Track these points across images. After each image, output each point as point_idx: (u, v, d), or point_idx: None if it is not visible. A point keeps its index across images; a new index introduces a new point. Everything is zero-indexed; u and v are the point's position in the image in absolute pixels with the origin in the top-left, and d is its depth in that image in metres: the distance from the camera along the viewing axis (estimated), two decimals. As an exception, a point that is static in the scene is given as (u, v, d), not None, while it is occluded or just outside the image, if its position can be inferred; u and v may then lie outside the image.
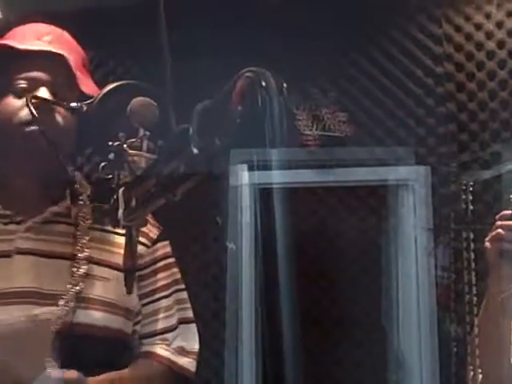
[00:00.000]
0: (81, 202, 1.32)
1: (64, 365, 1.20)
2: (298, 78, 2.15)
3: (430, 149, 2.13)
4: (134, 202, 1.01)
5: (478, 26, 2.13)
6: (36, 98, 1.24)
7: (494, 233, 1.46)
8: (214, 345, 2.04)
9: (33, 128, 1.23)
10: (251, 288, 2.03)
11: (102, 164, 1.10)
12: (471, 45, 2.13)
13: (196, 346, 1.39)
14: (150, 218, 1.37)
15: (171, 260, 1.41)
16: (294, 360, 1.81)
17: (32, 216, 1.28)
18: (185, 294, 1.42)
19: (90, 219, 1.31)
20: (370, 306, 2.09)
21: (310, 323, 2.10)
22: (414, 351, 2.01)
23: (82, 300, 1.24)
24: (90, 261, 1.28)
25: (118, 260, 1.25)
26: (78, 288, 1.25)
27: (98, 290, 1.27)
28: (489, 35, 2.12)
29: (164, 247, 1.40)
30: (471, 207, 1.94)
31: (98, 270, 1.28)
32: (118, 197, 1.03)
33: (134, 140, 1.06)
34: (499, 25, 2.12)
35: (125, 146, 1.06)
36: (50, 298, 1.23)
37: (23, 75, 1.27)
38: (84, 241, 1.29)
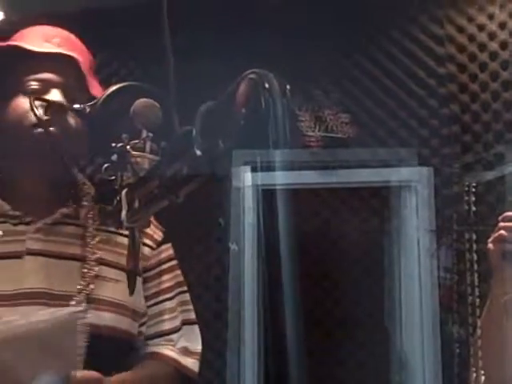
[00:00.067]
0: (85, 203, 1.33)
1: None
2: (300, 79, 2.15)
3: (432, 150, 2.13)
4: (137, 204, 1.01)
5: (481, 27, 2.13)
6: (39, 99, 1.24)
7: (496, 234, 1.46)
8: (216, 345, 2.05)
9: (44, 130, 1.24)
10: (253, 289, 2.03)
11: (105, 165, 1.10)
12: (474, 46, 2.13)
13: (199, 347, 1.40)
14: (153, 220, 1.38)
15: (175, 262, 1.42)
16: (296, 361, 1.81)
17: (41, 217, 1.28)
18: (187, 296, 1.43)
19: (98, 221, 1.32)
20: (372, 307, 2.09)
21: (312, 324, 2.11)
22: (416, 352, 2.00)
23: (92, 301, 1.25)
24: (100, 262, 1.29)
25: (123, 261, 1.24)
26: (89, 289, 1.25)
27: (107, 291, 1.27)
28: (492, 36, 2.12)
29: (168, 249, 1.41)
30: (474, 208, 1.94)
31: (107, 272, 1.29)
32: (121, 198, 1.03)
33: (137, 141, 1.06)
34: (502, 26, 2.12)
35: (128, 147, 1.06)
36: (60, 299, 1.23)
37: (34, 77, 1.27)
38: (93, 242, 1.30)
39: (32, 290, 1.23)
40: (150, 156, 1.05)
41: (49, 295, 1.23)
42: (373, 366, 2.09)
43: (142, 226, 1.10)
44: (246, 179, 2.02)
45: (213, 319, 2.11)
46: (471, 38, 2.14)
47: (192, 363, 1.38)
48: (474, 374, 1.54)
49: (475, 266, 1.88)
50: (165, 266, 1.39)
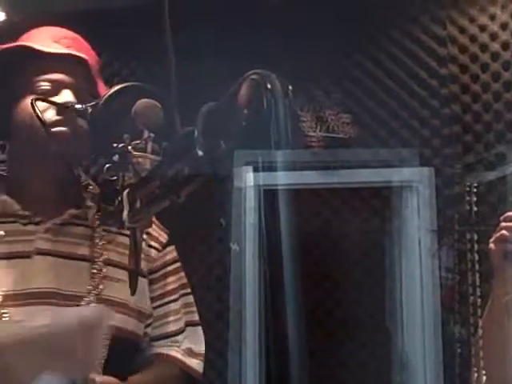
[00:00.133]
0: (91, 204, 1.33)
1: None
2: (301, 79, 2.15)
3: (434, 150, 2.13)
4: (138, 204, 1.02)
5: (483, 28, 2.13)
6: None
7: (498, 234, 1.46)
8: (217, 345, 2.05)
9: (56, 130, 1.24)
10: (255, 289, 2.04)
11: (107, 166, 1.10)
12: (475, 46, 2.13)
13: (202, 348, 1.42)
14: (157, 222, 1.39)
15: (179, 264, 1.43)
16: (297, 361, 1.81)
17: (50, 217, 1.28)
18: (191, 298, 1.44)
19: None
20: (374, 307, 2.09)
21: (314, 324, 2.10)
22: (417, 352, 2.00)
23: (101, 301, 1.25)
24: (108, 263, 1.29)
25: None
26: (98, 290, 1.25)
27: (115, 292, 1.28)
28: (493, 37, 2.12)
29: (172, 251, 1.42)
30: (475, 208, 1.93)
31: (115, 273, 1.29)
32: (122, 198, 1.03)
33: (138, 142, 1.07)
34: (504, 26, 2.11)
35: (129, 147, 1.06)
36: (70, 299, 1.24)
37: (44, 77, 1.28)
38: (102, 243, 1.30)
39: (41, 289, 1.23)
40: (152, 156, 1.05)
41: (58, 295, 1.24)
42: (374, 366, 2.09)
43: (143, 226, 1.10)
44: (248, 179, 2.02)
45: (214, 319, 2.11)
46: (473, 39, 2.13)
47: (197, 364, 1.39)
48: (476, 374, 1.54)
49: (476, 266, 1.88)
50: (170, 268, 1.40)
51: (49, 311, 1.19)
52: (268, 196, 2.00)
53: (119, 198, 1.04)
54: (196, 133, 0.85)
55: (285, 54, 2.07)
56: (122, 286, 1.29)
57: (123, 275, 1.29)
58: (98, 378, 1.16)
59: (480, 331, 1.54)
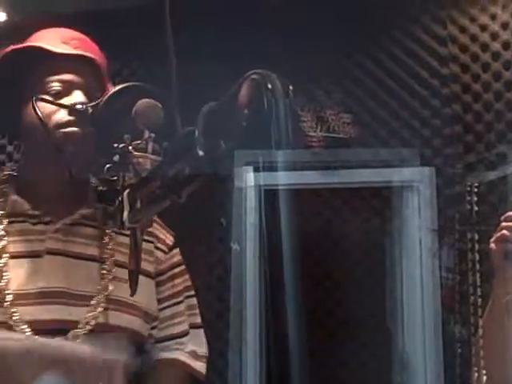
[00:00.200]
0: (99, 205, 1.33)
1: (90, 365, 1.21)
2: (302, 79, 2.15)
3: (435, 150, 2.13)
4: (138, 204, 1.01)
5: (483, 27, 2.13)
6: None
7: (498, 234, 1.46)
8: (218, 345, 2.04)
9: (67, 130, 1.24)
10: (255, 289, 2.04)
11: (107, 166, 1.10)
12: (476, 46, 2.13)
13: (205, 351, 1.43)
14: (162, 224, 1.39)
15: (184, 266, 1.44)
16: (298, 361, 1.81)
17: (60, 217, 1.29)
18: (194, 300, 1.45)
19: None
20: (374, 307, 2.09)
21: (314, 324, 2.11)
22: (418, 352, 2.00)
23: (111, 302, 1.26)
24: (118, 264, 1.29)
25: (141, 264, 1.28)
26: (108, 290, 1.26)
27: (124, 293, 1.28)
28: (494, 36, 2.12)
29: (178, 254, 1.43)
30: (476, 208, 1.93)
31: (124, 274, 1.29)
32: (122, 198, 1.03)
33: (139, 142, 1.06)
34: (504, 26, 2.11)
35: (130, 147, 1.06)
36: (79, 299, 1.24)
37: (56, 78, 1.28)
38: (111, 244, 1.30)
39: (51, 289, 1.24)
40: (152, 156, 1.05)
41: (67, 295, 1.24)
42: (374, 366, 2.09)
43: (143, 226, 1.10)
44: (248, 179, 2.02)
45: (215, 319, 2.11)
46: (473, 39, 2.13)
47: (201, 366, 1.41)
48: (476, 374, 1.54)
49: (477, 266, 1.88)
50: (176, 270, 1.41)
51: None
52: (268, 196, 2.00)
53: (119, 198, 1.04)
54: (196, 133, 0.85)
55: (285, 54, 2.07)
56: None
57: None
58: None
59: (480, 331, 1.54)
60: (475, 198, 1.94)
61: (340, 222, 2.18)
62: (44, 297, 1.23)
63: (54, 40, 1.31)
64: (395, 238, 2.10)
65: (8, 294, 1.21)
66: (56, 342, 1.20)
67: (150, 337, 1.35)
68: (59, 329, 1.22)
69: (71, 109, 1.25)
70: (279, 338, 1.89)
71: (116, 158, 1.09)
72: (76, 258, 1.27)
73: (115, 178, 1.07)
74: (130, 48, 2.23)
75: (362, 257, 2.14)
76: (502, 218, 1.48)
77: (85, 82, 1.29)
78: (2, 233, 1.27)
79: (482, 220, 1.92)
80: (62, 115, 1.25)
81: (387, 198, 2.13)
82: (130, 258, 1.13)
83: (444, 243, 2.05)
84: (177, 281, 1.40)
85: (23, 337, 1.19)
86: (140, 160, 1.05)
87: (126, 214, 1.02)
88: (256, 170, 1.97)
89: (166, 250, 1.39)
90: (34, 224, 1.28)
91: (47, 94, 1.27)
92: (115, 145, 1.08)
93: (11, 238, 1.26)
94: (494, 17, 2.12)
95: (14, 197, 1.30)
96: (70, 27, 1.39)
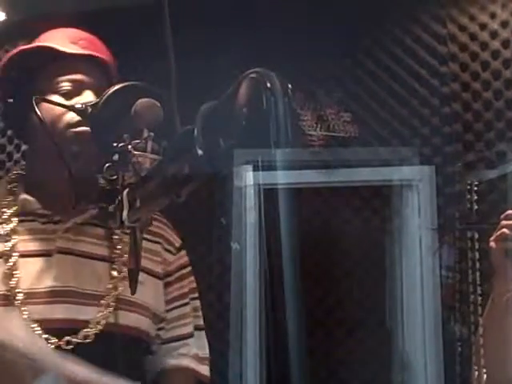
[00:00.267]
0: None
1: (100, 365, 1.21)
2: (302, 78, 2.15)
3: (434, 149, 2.13)
4: (138, 203, 1.02)
5: (483, 26, 2.13)
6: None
7: (498, 232, 1.46)
8: (218, 345, 2.04)
9: (78, 130, 1.25)
10: (255, 288, 2.03)
11: (107, 165, 1.10)
12: (476, 44, 2.13)
13: (207, 352, 1.43)
14: (170, 225, 1.40)
15: (190, 268, 1.44)
16: (298, 360, 1.81)
17: (70, 217, 1.29)
18: (198, 302, 1.46)
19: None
20: (374, 306, 2.09)
21: (314, 324, 2.10)
22: (418, 351, 2.00)
23: (120, 302, 1.26)
24: (126, 264, 1.30)
25: (148, 265, 1.31)
26: (118, 290, 1.26)
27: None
28: (493, 35, 2.11)
29: (185, 255, 1.43)
30: (476, 207, 1.93)
31: None
32: (122, 198, 1.03)
33: (138, 141, 1.06)
34: (504, 24, 2.11)
35: (129, 147, 1.06)
36: (89, 299, 1.24)
37: (66, 78, 1.28)
38: (121, 245, 1.30)
39: (61, 288, 1.24)
40: (152, 156, 1.05)
41: (77, 294, 1.24)
42: (374, 365, 2.09)
43: (143, 225, 1.10)
44: (248, 178, 2.02)
45: (215, 319, 2.11)
46: (473, 37, 2.13)
47: (205, 369, 1.42)
48: (476, 373, 1.54)
49: (477, 265, 1.88)
50: (184, 271, 1.42)
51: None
52: (268, 195, 2.00)
53: (119, 198, 1.04)
54: (195, 132, 0.85)
55: (286, 53, 2.07)
56: (141, 288, 1.29)
57: (142, 277, 1.30)
58: None
59: (480, 329, 1.55)
60: (475, 197, 1.94)
61: (340, 221, 2.17)
62: (54, 296, 1.23)
63: (63, 40, 1.31)
64: (395, 236, 2.10)
65: (18, 292, 1.22)
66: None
67: (158, 337, 1.36)
68: (69, 328, 1.22)
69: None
70: (279, 337, 1.89)
71: (115, 157, 1.09)
72: (86, 258, 1.28)
73: (115, 177, 1.08)
74: (129, 47, 2.22)
75: (362, 256, 2.14)
76: (502, 216, 1.48)
77: (94, 81, 1.30)
78: (12, 232, 1.27)
79: (482, 218, 1.92)
80: (73, 115, 1.26)
81: (387, 196, 2.12)
82: (129, 256, 1.13)
83: (444, 242, 2.05)
84: (184, 282, 1.41)
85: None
86: (139, 159, 1.05)
87: (125, 213, 1.02)
88: (255, 169, 1.96)
89: (174, 251, 1.40)
90: (44, 223, 1.29)
91: (57, 93, 1.28)
92: (114, 144, 1.08)
93: (21, 237, 1.27)
94: (493, 15, 2.12)
95: (24, 196, 1.30)
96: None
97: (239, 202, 2.03)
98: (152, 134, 1.07)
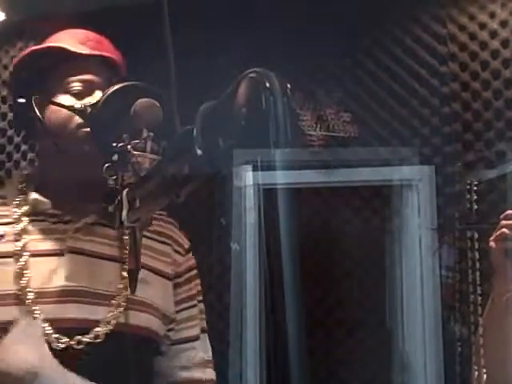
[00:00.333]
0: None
1: (110, 364, 1.22)
2: (302, 78, 2.15)
3: (434, 148, 2.12)
4: (137, 203, 1.02)
5: (482, 26, 2.12)
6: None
7: (498, 232, 1.46)
8: (218, 345, 2.04)
9: (89, 130, 1.25)
10: (255, 288, 2.03)
11: (106, 165, 1.10)
12: (475, 44, 2.12)
13: (211, 354, 1.44)
14: (178, 226, 1.40)
15: (196, 271, 1.45)
16: (298, 361, 1.81)
17: (80, 217, 1.29)
18: (203, 305, 1.46)
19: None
20: (374, 306, 2.09)
21: (314, 324, 2.10)
22: (418, 351, 2.00)
23: (131, 302, 1.26)
24: (127, 264, 1.30)
25: (158, 266, 1.32)
26: (128, 290, 1.26)
27: (145, 294, 1.29)
28: (493, 34, 2.11)
29: (193, 257, 1.43)
30: (476, 207, 1.93)
31: (145, 275, 1.30)
32: (121, 198, 1.03)
33: (137, 141, 1.07)
34: (503, 24, 2.11)
35: (129, 147, 1.06)
36: (100, 298, 1.25)
37: (77, 78, 1.29)
38: None
39: (73, 287, 1.24)
40: (151, 156, 1.06)
41: (89, 294, 1.24)
42: (374, 365, 2.09)
43: (142, 225, 1.10)
44: (247, 178, 2.02)
45: (215, 319, 2.11)
46: (473, 37, 2.13)
47: (210, 373, 1.44)
48: (476, 373, 1.54)
49: (477, 265, 1.88)
50: (192, 273, 1.42)
51: None
52: (268, 195, 2.00)
53: (119, 198, 1.04)
54: (195, 132, 0.85)
55: (285, 53, 2.06)
56: (150, 288, 1.30)
57: (153, 278, 1.31)
58: None
59: (480, 329, 1.54)
60: (475, 197, 1.94)
61: (339, 221, 2.17)
62: (66, 295, 1.23)
63: (73, 41, 1.32)
64: (395, 236, 2.10)
65: (29, 292, 1.22)
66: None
67: (167, 338, 1.36)
68: (80, 328, 1.22)
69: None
70: (279, 337, 1.89)
71: (115, 157, 1.09)
72: (96, 258, 1.28)
73: (114, 177, 1.08)
74: (128, 47, 2.22)
75: (362, 256, 2.14)
76: (502, 216, 1.48)
77: (105, 81, 1.30)
78: (22, 232, 1.27)
79: (482, 218, 1.92)
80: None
81: (387, 196, 2.12)
82: (129, 256, 1.14)
83: (444, 242, 2.05)
84: (192, 284, 1.42)
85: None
86: (139, 159, 1.05)
87: (124, 213, 1.02)
88: (255, 169, 1.97)
89: (183, 252, 1.40)
90: (54, 223, 1.29)
91: (68, 94, 1.28)
92: (114, 144, 1.09)
93: (31, 237, 1.27)
94: (493, 15, 2.12)
95: (34, 196, 1.30)
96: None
97: (239, 202, 2.03)
98: (151, 134, 1.07)
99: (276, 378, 1.97)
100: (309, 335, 2.02)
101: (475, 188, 1.93)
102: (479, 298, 1.84)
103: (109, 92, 1.22)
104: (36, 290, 1.22)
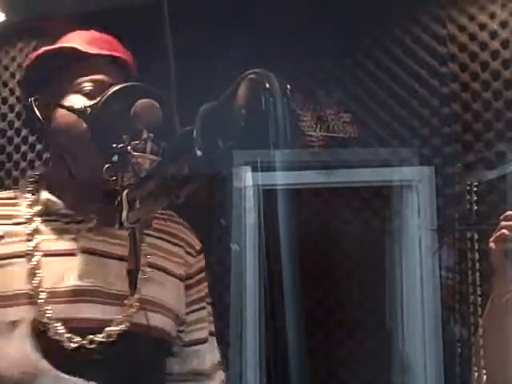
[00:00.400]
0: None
1: (122, 364, 1.22)
2: (302, 78, 2.15)
3: (434, 149, 2.13)
4: (137, 204, 1.01)
5: (482, 26, 2.13)
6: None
7: (498, 233, 1.46)
8: (218, 345, 2.04)
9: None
10: (255, 289, 2.04)
11: (106, 166, 1.10)
12: (475, 45, 2.13)
13: (220, 356, 1.44)
14: (189, 227, 1.40)
15: (205, 273, 1.45)
16: (297, 361, 1.81)
17: (93, 217, 1.29)
18: (210, 307, 1.46)
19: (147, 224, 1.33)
20: (374, 307, 2.09)
21: (314, 324, 2.10)
22: (418, 352, 2.00)
23: (144, 302, 1.26)
24: (151, 266, 1.30)
25: (171, 267, 1.32)
26: (141, 291, 1.26)
27: (158, 294, 1.29)
28: (493, 35, 2.12)
29: (203, 259, 1.43)
30: (476, 207, 1.93)
31: (158, 275, 1.30)
32: (121, 199, 1.03)
33: (137, 142, 1.06)
34: (503, 24, 2.11)
35: (129, 147, 1.06)
36: (114, 298, 1.24)
37: (88, 78, 1.29)
38: (144, 245, 1.30)
39: (87, 287, 1.24)
40: (151, 156, 1.05)
41: (103, 293, 1.24)
42: (374, 366, 2.09)
43: (142, 226, 1.10)
44: (247, 179, 2.02)
45: (215, 319, 2.11)
46: (472, 37, 2.13)
47: (220, 375, 1.43)
48: (476, 374, 1.54)
49: (477, 266, 1.88)
50: (202, 275, 1.42)
51: None
52: (267, 196, 2.00)
53: (118, 199, 1.04)
54: (194, 133, 0.85)
55: (286, 53, 2.07)
56: (164, 290, 1.30)
57: (164, 278, 1.31)
58: None
59: (480, 330, 1.54)
60: (475, 198, 1.94)
61: (339, 222, 2.18)
62: (78, 295, 1.23)
63: (84, 41, 1.32)
64: (395, 237, 2.10)
65: (41, 291, 1.22)
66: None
67: (179, 339, 1.36)
68: (93, 327, 1.22)
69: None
70: (279, 338, 1.89)
71: (115, 158, 1.09)
72: (109, 258, 1.27)
73: (114, 178, 1.08)
74: (128, 48, 2.22)
75: (362, 256, 2.14)
76: (502, 217, 1.48)
77: (115, 81, 1.30)
78: (35, 231, 1.27)
79: (482, 219, 1.92)
80: None
81: (386, 197, 2.12)
82: (129, 257, 1.13)
83: (444, 243, 2.05)
84: (201, 286, 1.42)
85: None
86: (139, 160, 1.05)
87: (124, 213, 1.02)
88: (255, 169, 1.97)
89: (195, 253, 1.40)
90: (67, 223, 1.28)
91: (79, 94, 1.28)
92: (114, 145, 1.08)
93: (44, 237, 1.27)
94: (493, 15, 2.12)
95: (47, 196, 1.30)
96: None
97: (239, 202, 2.03)
98: (151, 134, 1.07)
99: (276, 379, 1.98)
100: (309, 336, 2.02)
101: (475, 189, 1.93)
102: (479, 299, 1.84)
103: (109, 93, 1.22)
104: (48, 290, 1.22)
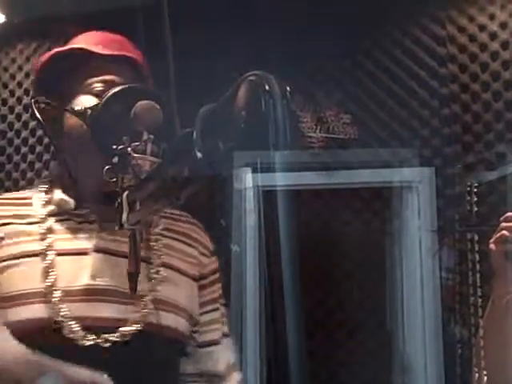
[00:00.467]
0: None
1: (136, 364, 1.22)
2: (302, 79, 2.15)
3: (434, 150, 2.13)
4: (138, 206, 1.01)
5: (482, 27, 2.13)
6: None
7: (498, 234, 1.46)
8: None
9: None
10: (255, 290, 2.04)
11: (106, 167, 1.10)
12: (475, 46, 2.13)
13: (234, 358, 1.44)
14: (202, 228, 1.40)
15: (219, 274, 1.45)
16: (298, 361, 1.81)
17: (105, 217, 1.29)
18: (224, 309, 1.45)
19: (160, 225, 1.33)
20: (374, 308, 2.09)
21: (314, 325, 2.10)
22: (418, 353, 2.00)
23: (158, 302, 1.26)
24: (166, 266, 1.30)
25: (186, 267, 1.31)
26: (156, 291, 1.26)
27: (171, 294, 1.29)
28: (493, 36, 2.12)
29: (216, 260, 1.43)
30: (476, 209, 1.93)
31: (172, 276, 1.30)
32: (122, 200, 1.03)
33: (138, 143, 1.06)
34: (503, 26, 2.11)
35: (129, 149, 1.06)
36: (128, 298, 1.24)
37: (99, 78, 1.29)
38: (157, 245, 1.30)
39: (102, 286, 1.24)
40: (151, 158, 1.05)
41: (118, 293, 1.24)
42: (375, 366, 2.09)
43: (142, 227, 1.10)
44: (247, 181, 2.02)
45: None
46: (472, 38, 2.13)
47: (236, 376, 1.41)
48: (477, 375, 1.54)
49: (477, 267, 1.88)
50: (216, 276, 1.42)
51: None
52: (267, 197, 2.00)
53: (119, 200, 1.04)
54: (194, 134, 0.85)
55: (285, 54, 2.07)
56: (178, 290, 1.30)
57: (178, 278, 1.31)
58: None
59: (481, 331, 1.54)
60: (475, 199, 1.94)
61: (340, 223, 2.18)
62: (92, 294, 1.23)
63: (94, 42, 1.32)
64: (395, 238, 2.10)
65: (55, 290, 1.22)
66: None
67: (193, 339, 1.36)
68: (108, 326, 1.22)
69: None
70: (279, 338, 1.89)
71: (115, 159, 1.09)
72: (122, 257, 1.27)
73: (114, 179, 1.08)
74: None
75: (362, 257, 2.14)
76: (502, 218, 1.48)
77: (126, 81, 1.30)
78: (48, 231, 1.27)
79: (482, 220, 1.92)
80: None
81: (387, 198, 2.13)
82: (129, 259, 1.13)
83: (444, 244, 2.05)
84: (215, 287, 1.41)
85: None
86: (139, 162, 1.05)
87: (125, 215, 1.02)
88: (255, 171, 1.97)
89: (209, 254, 1.40)
90: (80, 223, 1.28)
91: (89, 94, 1.28)
92: (114, 146, 1.08)
93: (57, 236, 1.27)
94: (492, 17, 2.12)
95: (60, 195, 1.30)
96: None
97: (239, 204, 2.03)
98: (152, 136, 1.07)
99: (276, 379, 1.98)
100: (309, 337, 2.02)
101: (475, 190, 1.93)
102: (479, 300, 1.84)
103: (109, 94, 1.22)
104: (62, 289, 1.22)
